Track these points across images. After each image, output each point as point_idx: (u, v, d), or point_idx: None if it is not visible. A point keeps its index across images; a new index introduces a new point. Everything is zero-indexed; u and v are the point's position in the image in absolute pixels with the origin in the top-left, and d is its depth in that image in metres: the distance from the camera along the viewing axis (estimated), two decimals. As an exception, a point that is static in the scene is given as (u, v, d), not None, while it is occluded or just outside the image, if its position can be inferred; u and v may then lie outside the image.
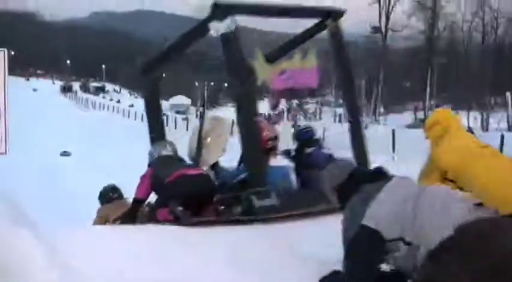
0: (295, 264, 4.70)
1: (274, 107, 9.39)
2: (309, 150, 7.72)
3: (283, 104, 78.23)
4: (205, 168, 7.13)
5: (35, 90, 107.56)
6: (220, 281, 4.49)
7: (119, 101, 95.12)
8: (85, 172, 32.62)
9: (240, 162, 7.24)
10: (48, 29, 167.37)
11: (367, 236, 3.48)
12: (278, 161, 7.54)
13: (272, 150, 7.14)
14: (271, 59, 7.59)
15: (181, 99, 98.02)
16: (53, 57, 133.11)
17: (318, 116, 75.24)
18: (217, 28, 6.47)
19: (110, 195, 8.12)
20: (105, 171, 27.50)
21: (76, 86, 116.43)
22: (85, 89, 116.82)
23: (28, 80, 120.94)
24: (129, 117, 68.71)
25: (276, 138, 7.25)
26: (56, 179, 30.79)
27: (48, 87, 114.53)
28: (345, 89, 8.19)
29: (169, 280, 4.43)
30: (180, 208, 5.96)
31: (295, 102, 75.99)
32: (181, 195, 6.14)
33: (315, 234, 5.41)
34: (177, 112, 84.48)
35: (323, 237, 4.88)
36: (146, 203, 6.87)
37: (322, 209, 6.09)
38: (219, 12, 6.57)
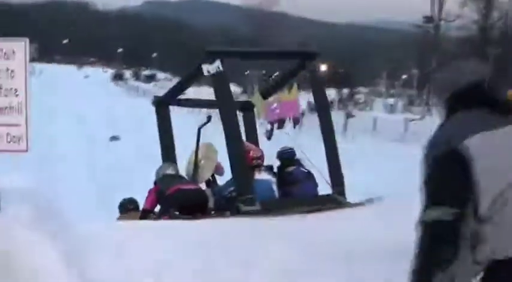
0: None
1: (270, 136, 9.69)
2: (289, 169, 8.74)
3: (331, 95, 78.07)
4: (200, 184, 8.90)
5: (86, 77, 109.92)
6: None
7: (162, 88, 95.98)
8: (133, 155, 33.55)
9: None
10: (100, 18, 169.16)
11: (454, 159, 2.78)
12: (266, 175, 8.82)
13: (257, 167, 8.43)
14: (265, 95, 9.83)
15: (233, 88, 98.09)
16: (104, 46, 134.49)
17: (368, 107, 74.41)
18: (207, 69, 8.10)
19: (127, 206, 9.57)
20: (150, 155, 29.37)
21: (127, 74, 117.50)
22: (136, 77, 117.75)
23: (80, 68, 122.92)
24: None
25: (260, 157, 8.55)
26: (106, 162, 31.57)
27: (99, 75, 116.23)
28: (320, 114, 9.53)
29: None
30: (177, 212, 7.72)
31: (346, 91, 75.34)
32: (178, 204, 7.83)
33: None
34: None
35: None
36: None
37: (295, 213, 7.61)
38: (210, 56, 8.31)
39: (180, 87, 10.14)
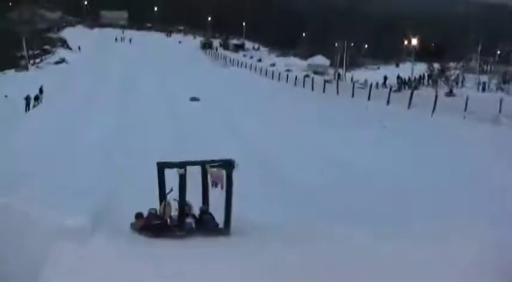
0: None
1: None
2: (204, 216, 12.82)
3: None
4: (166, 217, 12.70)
5: (179, 42, 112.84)
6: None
7: (260, 60, 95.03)
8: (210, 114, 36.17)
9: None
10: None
11: None
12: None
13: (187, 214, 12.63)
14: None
15: (320, 60, 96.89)
16: (194, 14, 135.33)
17: (460, 83, 72.10)
18: (179, 171, 12.22)
19: (138, 217, 12.81)
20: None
21: (216, 42, 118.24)
22: (225, 46, 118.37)
23: (168, 36, 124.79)
24: (266, 75, 68.15)
25: (189, 208, 12.72)
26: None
27: (189, 41, 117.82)
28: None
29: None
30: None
31: (437, 67, 73.29)
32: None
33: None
34: (315, 72, 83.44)
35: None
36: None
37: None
38: (158, 166, 12.67)
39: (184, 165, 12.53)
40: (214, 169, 12.64)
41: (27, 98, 41.74)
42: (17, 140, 29.53)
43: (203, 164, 12.75)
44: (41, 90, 45.03)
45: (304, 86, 54.23)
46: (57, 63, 75.48)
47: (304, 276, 10.12)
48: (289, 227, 12.37)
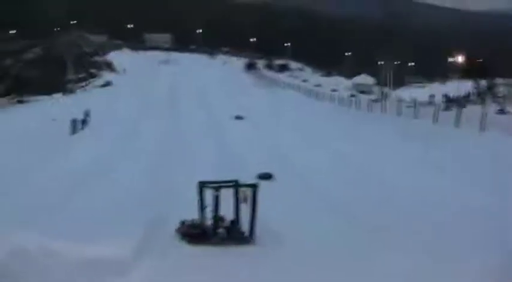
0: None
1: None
2: (234, 227, 14.46)
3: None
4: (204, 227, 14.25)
5: (225, 62, 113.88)
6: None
7: (305, 81, 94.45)
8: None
9: None
10: (232, 8, 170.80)
11: None
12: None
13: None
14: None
15: (365, 79, 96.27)
16: (238, 36, 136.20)
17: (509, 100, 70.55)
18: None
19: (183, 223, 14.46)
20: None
21: (260, 63, 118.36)
22: (269, 66, 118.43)
23: (212, 57, 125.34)
24: (315, 96, 67.93)
25: (222, 221, 14.50)
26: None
27: (234, 63, 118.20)
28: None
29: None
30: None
31: (484, 83, 71.99)
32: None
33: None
34: (361, 92, 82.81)
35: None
36: None
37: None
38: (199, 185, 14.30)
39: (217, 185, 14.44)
40: (244, 189, 14.43)
41: (74, 121, 41.96)
42: (61, 164, 29.61)
43: (236, 186, 14.47)
44: (87, 114, 45.28)
45: (352, 106, 53.50)
46: (103, 86, 76.29)
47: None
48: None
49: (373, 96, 71.71)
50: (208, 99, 61.41)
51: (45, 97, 64.32)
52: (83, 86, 74.98)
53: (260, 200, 14.12)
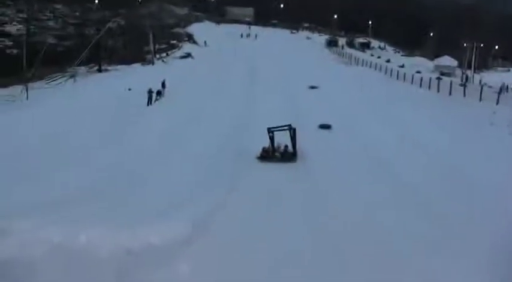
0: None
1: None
2: (287, 149, 25.81)
3: None
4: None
5: (308, 38, 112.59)
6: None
7: (388, 61, 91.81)
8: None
9: None
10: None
11: None
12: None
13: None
14: None
15: (447, 60, 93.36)
16: (320, 12, 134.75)
17: None
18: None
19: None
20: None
21: (342, 41, 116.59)
22: (350, 44, 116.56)
23: (293, 33, 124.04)
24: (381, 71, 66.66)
25: (280, 146, 25.90)
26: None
27: (314, 39, 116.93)
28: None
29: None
30: None
31: None
32: None
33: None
34: (442, 74, 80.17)
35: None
36: None
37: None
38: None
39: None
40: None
41: (150, 92, 42.10)
42: (133, 136, 29.92)
43: (289, 127, 25.33)
44: (163, 85, 45.40)
45: (439, 91, 50.55)
46: (182, 57, 76.33)
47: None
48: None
49: (454, 79, 68.93)
50: (287, 72, 60.76)
51: (125, 67, 64.84)
52: (162, 57, 75.14)
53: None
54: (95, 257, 10.36)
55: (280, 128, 24.89)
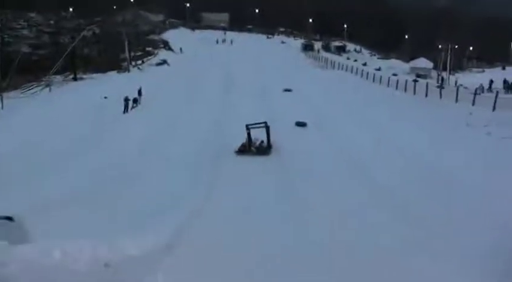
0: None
1: None
2: (262, 144, 28.38)
3: None
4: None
5: (283, 42, 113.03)
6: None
7: (365, 64, 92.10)
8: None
9: None
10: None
11: None
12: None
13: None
14: None
15: (423, 62, 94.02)
16: (295, 16, 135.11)
17: None
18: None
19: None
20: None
21: (317, 45, 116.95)
22: (326, 48, 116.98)
23: (269, 37, 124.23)
24: (357, 74, 67.14)
25: (256, 141, 28.28)
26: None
27: (290, 43, 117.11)
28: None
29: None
30: None
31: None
32: None
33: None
34: (418, 76, 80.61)
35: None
36: None
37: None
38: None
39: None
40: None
41: (126, 100, 41.86)
42: (111, 143, 29.70)
43: (265, 124, 28.13)
44: (139, 92, 45.16)
45: (415, 93, 50.55)
46: (158, 64, 76.20)
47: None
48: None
49: (429, 80, 69.17)
50: (263, 77, 60.85)
51: (100, 75, 64.52)
52: (138, 64, 74.92)
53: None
54: (72, 272, 10.09)
55: (256, 125, 27.96)
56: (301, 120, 34.76)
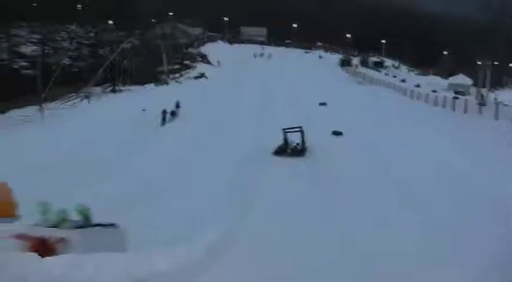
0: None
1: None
2: (297, 146, 31.21)
3: None
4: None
5: (320, 57, 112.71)
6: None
7: (404, 81, 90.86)
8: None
9: None
10: (329, 3, 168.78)
11: None
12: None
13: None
14: None
15: (462, 79, 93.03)
16: (333, 31, 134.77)
17: None
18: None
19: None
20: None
21: (355, 60, 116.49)
22: (364, 63, 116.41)
23: (307, 52, 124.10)
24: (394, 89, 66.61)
25: (292, 144, 31.34)
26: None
27: (328, 58, 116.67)
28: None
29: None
30: None
31: None
32: None
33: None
34: (456, 92, 79.73)
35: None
36: None
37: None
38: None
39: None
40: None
41: (164, 113, 42.05)
42: (147, 155, 29.94)
43: (300, 129, 31.06)
44: (177, 105, 45.34)
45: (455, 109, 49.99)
46: (196, 78, 76.48)
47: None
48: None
49: (468, 97, 68.33)
50: (300, 90, 60.74)
51: (138, 87, 65.02)
52: (176, 77, 75.37)
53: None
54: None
55: (292, 130, 31.32)
56: (337, 129, 36.11)
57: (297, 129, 31.32)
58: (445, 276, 13.09)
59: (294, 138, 31.14)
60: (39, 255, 10.66)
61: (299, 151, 30.78)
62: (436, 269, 13.52)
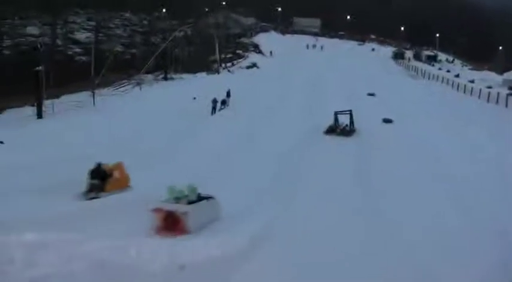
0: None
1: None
2: (346, 127, 35.14)
3: None
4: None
5: (373, 50, 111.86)
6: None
7: (458, 76, 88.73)
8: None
9: None
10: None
11: None
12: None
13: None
14: None
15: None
16: (387, 24, 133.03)
17: None
18: None
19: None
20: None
21: (408, 53, 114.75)
22: (417, 57, 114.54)
23: (360, 44, 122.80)
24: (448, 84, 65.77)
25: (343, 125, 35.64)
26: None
27: (381, 51, 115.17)
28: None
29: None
30: None
31: None
32: None
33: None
34: (510, 88, 77.59)
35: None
36: None
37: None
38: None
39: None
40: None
41: (214, 101, 42.04)
42: (195, 145, 30.00)
43: (350, 112, 34.76)
44: (228, 94, 45.31)
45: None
46: (248, 67, 76.28)
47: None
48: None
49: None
50: (352, 82, 60.27)
51: (190, 75, 65.16)
52: (228, 67, 75.31)
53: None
54: (145, 273, 9.83)
55: (343, 112, 35.02)
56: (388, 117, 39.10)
57: (347, 112, 35.00)
58: None
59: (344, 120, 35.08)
60: (168, 225, 14.73)
61: (348, 132, 34.46)
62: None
